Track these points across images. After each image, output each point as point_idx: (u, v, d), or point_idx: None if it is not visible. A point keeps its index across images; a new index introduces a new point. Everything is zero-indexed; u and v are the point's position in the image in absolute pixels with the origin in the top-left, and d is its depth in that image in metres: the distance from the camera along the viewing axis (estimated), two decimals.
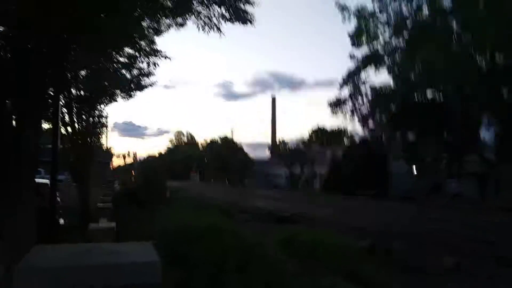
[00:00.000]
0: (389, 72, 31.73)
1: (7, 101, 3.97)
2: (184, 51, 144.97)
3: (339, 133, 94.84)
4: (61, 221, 11.63)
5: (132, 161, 62.58)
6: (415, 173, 35.96)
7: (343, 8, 29.61)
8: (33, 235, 3.89)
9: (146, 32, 6.22)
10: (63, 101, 11.35)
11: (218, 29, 4.85)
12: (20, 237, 3.70)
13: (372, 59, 31.32)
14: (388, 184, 40.71)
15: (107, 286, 1.39)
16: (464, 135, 29.76)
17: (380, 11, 29.24)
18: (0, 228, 3.73)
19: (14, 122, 3.96)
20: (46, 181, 11.19)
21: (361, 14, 29.61)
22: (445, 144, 32.56)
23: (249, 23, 4.91)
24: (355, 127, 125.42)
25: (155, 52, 8.37)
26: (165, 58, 8.31)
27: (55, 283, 1.33)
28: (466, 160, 32.07)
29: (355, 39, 30.95)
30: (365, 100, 33.74)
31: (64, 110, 12.50)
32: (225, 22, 4.87)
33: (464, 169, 32.02)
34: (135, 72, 11.82)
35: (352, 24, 30.83)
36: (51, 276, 1.33)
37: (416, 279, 9.01)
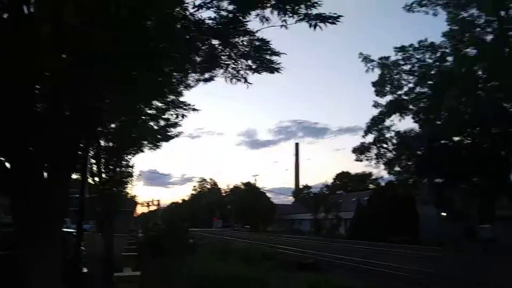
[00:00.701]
0: (414, 118, 31.66)
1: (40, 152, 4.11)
2: (209, 100, 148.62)
3: (363, 178, 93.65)
4: (85, 269, 11.63)
5: (156, 208, 62.77)
6: (445, 217, 34.79)
7: (366, 59, 30.16)
8: (58, 283, 3.91)
9: (175, 86, 6.45)
10: (91, 152, 11.68)
11: (246, 80, 4.98)
12: (46, 284, 3.72)
13: (397, 106, 31.40)
14: (417, 229, 39.41)
15: None
16: (494, 179, 28.90)
17: (404, 61, 29.64)
18: (27, 278, 3.76)
19: (45, 174, 4.08)
20: (72, 230, 11.32)
21: (384, 64, 30.04)
22: (475, 188, 31.61)
23: (276, 72, 5.05)
24: (380, 172, 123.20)
25: (184, 105, 8.61)
26: (193, 110, 8.55)
27: None
28: (499, 204, 30.96)
29: (379, 88, 31.24)
30: (390, 145, 33.49)
31: (92, 160, 12.84)
32: (252, 73, 5.01)
33: (496, 213, 30.83)
34: (162, 123, 12.11)
35: (375, 74, 31.24)
36: None
37: None
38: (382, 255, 24.26)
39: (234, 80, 4.96)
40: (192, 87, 6.89)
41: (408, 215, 39.17)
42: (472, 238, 37.13)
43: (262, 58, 4.88)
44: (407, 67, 30.06)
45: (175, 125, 12.46)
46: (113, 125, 8.82)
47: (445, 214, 35.32)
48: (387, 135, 33.28)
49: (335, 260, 20.87)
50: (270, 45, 4.81)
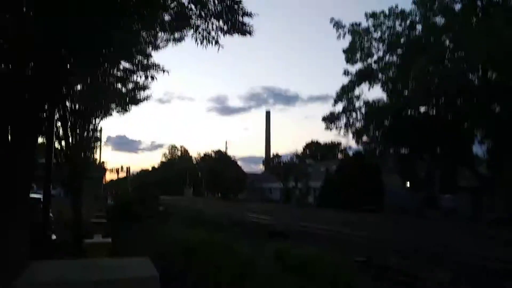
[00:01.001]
0: (383, 88, 32.11)
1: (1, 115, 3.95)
2: (178, 64, 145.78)
3: (332, 147, 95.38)
4: (54, 236, 11.49)
5: (125, 175, 62.11)
6: (409, 187, 36.09)
7: (338, 25, 30.06)
8: (27, 251, 3.85)
9: (143, 46, 6.23)
10: (57, 115, 11.32)
11: (217, 42, 4.86)
12: (14, 253, 3.66)
13: (366, 75, 31.69)
14: (382, 198, 40.79)
15: None
16: (456, 150, 29.97)
17: (374, 28, 29.71)
18: None
19: (9, 137, 3.94)
20: (39, 196, 11.09)
21: (355, 31, 30.03)
22: (439, 158, 32.76)
23: (248, 35, 4.94)
24: (348, 142, 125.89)
25: (153, 66, 8.36)
26: (163, 72, 8.31)
27: None
28: (460, 175, 32.28)
29: (350, 55, 31.34)
30: (359, 114, 34.02)
31: (58, 123, 12.45)
32: (223, 35, 4.88)
33: (458, 183, 32.20)
34: (130, 86, 11.80)
35: (346, 41, 31.24)
36: None
37: None
38: (345, 223, 25.07)
39: (205, 41, 4.84)
40: (161, 48, 6.70)
41: (374, 184, 40.38)
42: (434, 207, 38.82)
43: (234, 19, 4.76)
44: (377, 35, 30.21)
45: (144, 88, 12.19)
46: (78, 87, 8.52)
47: (409, 183, 36.60)
48: (357, 105, 33.76)
49: (303, 228, 21.40)
50: (242, 5, 4.70)
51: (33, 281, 1.35)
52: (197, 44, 4.82)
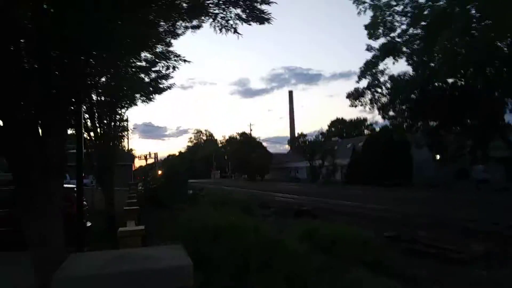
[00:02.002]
0: (408, 61, 31.28)
1: (32, 110, 4.08)
2: (200, 50, 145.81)
3: (358, 124, 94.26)
4: (88, 223, 11.92)
5: (154, 161, 63.31)
6: (439, 160, 35.42)
7: (358, 1, 29.29)
8: (63, 242, 3.99)
9: (162, 35, 6.25)
10: (85, 107, 11.58)
11: (235, 30, 4.82)
12: (51, 245, 3.79)
13: (390, 49, 30.90)
14: (411, 173, 40.24)
15: None
16: (487, 120, 29.11)
17: (396, 2, 28.81)
18: (31, 237, 3.82)
19: (40, 130, 4.07)
20: (72, 186, 11.47)
21: (376, 6, 29.20)
22: (469, 130, 31.92)
23: (266, 23, 4.87)
24: (374, 117, 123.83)
25: (174, 56, 8.40)
26: (184, 62, 8.34)
27: None
28: (491, 146, 31.41)
29: (372, 31, 30.56)
30: (384, 89, 33.36)
31: (86, 116, 12.76)
32: (241, 23, 4.83)
33: (489, 154, 31.37)
34: (153, 75, 11.91)
35: (367, 16, 30.43)
36: (90, 284, 1.39)
37: (443, 266, 8.92)
38: (374, 198, 24.91)
39: (223, 30, 4.81)
40: (180, 35, 6.70)
41: (403, 159, 39.82)
42: (465, 179, 38.03)
43: (252, 7, 4.68)
44: (399, 8, 29.29)
45: (166, 77, 12.28)
46: (103, 79, 8.69)
47: (439, 156, 35.91)
48: (381, 80, 33.08)
49: (331, 206, 21.41)
50: None
51: (71, 275, 1.42)
52: (216, 32, 4.79)
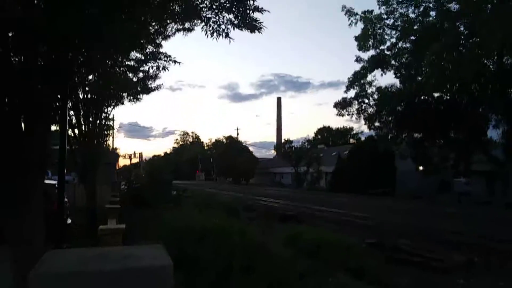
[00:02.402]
0: (396, 74, 31.79)
1: (15, 104, 4.02)
2: (190, 53, 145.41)
3: (344, 133, 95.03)
4: (69, 220, 11.74)
5: (138, 161, 62.76)
6: (422, 171, 35.85)
7: (350, 13, 29.68)
8: (42, 238, 3.93)
9: (152, 36, 6.22)
10: (70, 104, 11.43)
11: (227, 35, 4.81)
12: (30, 241, 3.74)
13: (379, 61, 31.37)
14: (395, 183, 40.62)
15: None
16: (471, 135, 29.65)
17: (387, 15, 29.29)
18: (10, 233, 3.76)
19: (23, 125, 4.01)
20: (53, 182, 11.30)
21: (367, 18, 29.63)
22: (452, 143, 32.43)
23: (257, 31, 4.87)
24: (360, 127, 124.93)
25: (164, 57, 8.35)
26: (174, 63, 8.29)
27: None
28: (474, 159, 31.96)
29: (362, 42, 30.97)
30: (371, 100, 33.80)
31: (71, 112, 12.60)
32: (234, 28, 4.82)
33: (471, 167, 31.90)
34: (141, 75, 11.83)
35: (358, 28, 30.87)
36: (66, 282, 1.37)
37: (425, 275, 9.03)
38: (357, 207, 25.08)
39: (215, 34, 4.80)
40: (170, 36, 6.67)
41: (387, 169, 40.18)
42: (447, 192, 38.53)
43: (245, 13, 4.69)
44: (390, 21, 29.83)
45: (155, 77, 12.21)
46: (90, 77, 8.58)
47: (422, 168, 36.33)
48: (369, 91, 33.53)
49: (315, 212, 21.49)
50: None
51: (48, 271, 1.40)
52: (207, 36, 4.78)
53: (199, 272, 6.31)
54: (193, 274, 6.37)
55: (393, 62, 31.38)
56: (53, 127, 8.71)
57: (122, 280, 1.45)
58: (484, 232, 14.72)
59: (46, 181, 7.26)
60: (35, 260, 1.63)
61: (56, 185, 9.13)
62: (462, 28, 25.46)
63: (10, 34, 4.12)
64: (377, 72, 32.49)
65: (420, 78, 28.52)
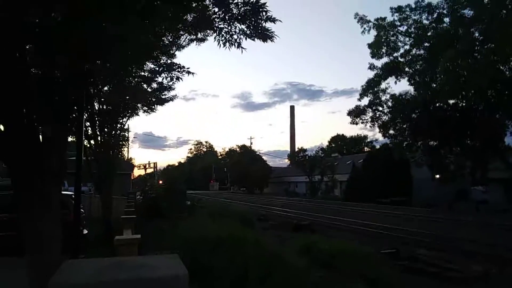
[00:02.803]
0: (410, 81, 31.57)
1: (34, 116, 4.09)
2: (203, 62, 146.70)
3: (358, 141, 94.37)
4: (85, 231, 11.86)
5: (153, 171, 63.23)
6: (438, 179, 35.32)
7: (362, 20, 29.67)
8: (59, 246, 3.97)
9: (166, 46, 6.30)
10: (86, 115, 11.62)
11: (239, 44, 4.85)
12: (48, 251, 3.78)
13: (392, 68, 31.21)
14: (411, 191, 40.07)
15: None
16: (488, 142, 29.16)
17: (400, 22, 29.20)
18: (28, 240, 3.81)
19: (40, 137, 4.08)
20: (70, 193, 11.45)
21: (380, 25, 29.58)
22: (469, 150, 31.94)
23: (269, 40, 4.90)
24: (375, 135, 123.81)
25: (178, 68, 8.44)
26: (188, 73, 8.38)
27: None
28: (491, 167, 31.39)
29: (375, 50, 30.88)
30: (385, 108, 33.57)
31: (87, 123, 12.80)
32: (245, 39, 4.86)
33: (488, 175, 31.33)
34: (156, 86, 11.99)
35: (371, 35, 30.83)
36: None
37: (441, 286, 8.86)
38: (373, 216, 24.79)
39: (227, 44, 4.84)
40: (184, 47, 6.75)
41: (402, 177, 39.69)
42: (464, 200, 37.85)
43: (257, 24, 4.73)
44: (403, 29, 29.72)
45: (169, 88, 12.35)
46: (106, 88, 8.70)
47: (438, 176, 35.81)
48: (383, 98, 33.31)
49: (330, 221, 21.31)
50: (266, 7, 4.66)
51: (66, 281, 1.41)
52: (220, 46, 4.83)
53: (213, 282, 6.30)
54: (208, 284, 6.36)
55: (407, 69, 31.18)
56: (70, 138, 8.87)
57: None
58: (502, 241, 14.42)
59: (63, 192, 7.38)
60: (52, 268, 1.65)
61: (73, 196, 9.27)
62: (476, 34, 25.19)
63: (28, 46, 4.22)
64: (391, 80, 32.30)
65: (434, 85, 28.25)
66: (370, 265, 8.67)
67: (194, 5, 4.42)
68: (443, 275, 9.44)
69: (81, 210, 9.60)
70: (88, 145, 13.49)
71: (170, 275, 1.51)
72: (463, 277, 9.25)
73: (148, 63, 8.28)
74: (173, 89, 12.69)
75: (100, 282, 1.42)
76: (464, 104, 30.25)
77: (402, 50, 30.82)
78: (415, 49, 30.10)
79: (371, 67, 32.21)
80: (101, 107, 13.06)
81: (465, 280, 9.12)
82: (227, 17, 4.70)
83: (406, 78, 31.66)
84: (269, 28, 4.82)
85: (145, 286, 1.43)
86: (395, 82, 33.42)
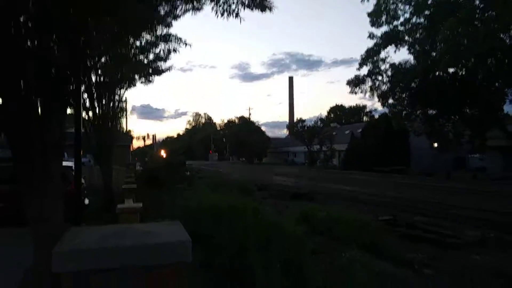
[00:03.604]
0: (410, 50, 31.21)
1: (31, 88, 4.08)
2: (200, 33, 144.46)
3: (357, 111, 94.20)
4: (86, 201, 12.02)
5: (152, 142, 63.33)
6: (437, 148, 35.47)
7: None
8: (61, 216, 4.04)
9: (162, 17, 6.18)
10: (84, 87, 11.53)
11: (237, 15, 4.76)
12: (51, 220, 3.85)
13: (392, 37, 30.79)
14: (409, 160, 40.37)
15: (141, 265, 1.48)
16: (487, 110, 29.12)
17: None
18: (30, 212, 3.86)
19: (39, 109, 4.08)
20: (70, 164, 11.52)
21: None
22: (468, 119, 31.95)
23: (268, 10, 4.81)
24: (374, 105, 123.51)
25: (175, 39, 8.32)
26: (185, 45, 8.26)
27: (92, 264, 1.43)
28: (489, 135, 31.48)
29: (375, 18, 30.37)
30: (385, 77, 33.32)
31: (85, 95, 12.73)
32: (244, 8, 4.77)
33: (487, 143, 31.43)
34: (152, 57, 11.86)
35: (371, 4, 30.24)
36: (87, 258, 1.43)
37: (439, 251, 9.05)
38: (371, 184, 25.05)
39: (225, 14, 4.75)
40: (180, 16, 6.63)
41: (401, 146, 39.89)
42: (462, 168, 38.18)
43: None
44: None
45: (165, 58, 12.23)
46: (103, 59, 8.59)
47: (437, 145, 35.94)
48: (382, 67, 33.02)
49: (328, 190, 21.53)
50: None
51: (71, 247, 1.45)
52: (217, 16, 4.74)
53: (214, 250, 6.43)
54: (209, 253, 6.49)
55: (406, 38, 30.77)
56: (68, 110, 8.84)
57: (142, 255, 1.51)
58: (499, 208, 14.66)
59: (63, 163, 7.43)
60: (56, 239, 1.69)
61: (73, 167, 9.32)
62: (477, 2, 24.73)
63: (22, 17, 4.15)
64: (390, 49, 31.93)
65: (434, 54, 27.94)
66: (368, 232, 8.83)
67: None
68: (440, 241, 9.62)
69: (82, 180, 9.69)
70: (87, 117, 13.47)
71: (174, 241, 1.55)
72: (460, 242, 9.44)
73: (144, 34, 8.17)
74: (170, 59, 12.59)
75: (104, 248, 1.46)
76: (463, 73, 30.02)
77: (402, 19, 30.32)
78: (415, 17, 29.61)
79: (371, 36, 31.76)
80: (98, 79, 12.96)
81: (463, 245, 9.30)
82: None
83: (406, 47, 31.29)
84: None
85: (151, 252, 1.48)
86: (395, 51, 33.11)
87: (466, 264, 8.14)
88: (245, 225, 6.91)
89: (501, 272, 7.55)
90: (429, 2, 27.86)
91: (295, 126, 61.12)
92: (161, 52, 10.52)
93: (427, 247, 9.28)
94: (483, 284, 6.95)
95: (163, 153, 19.84)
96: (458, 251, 8.99)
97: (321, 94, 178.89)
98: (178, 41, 8.31)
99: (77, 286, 1.45)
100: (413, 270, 7.45)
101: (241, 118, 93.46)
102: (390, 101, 34.30)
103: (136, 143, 61.93)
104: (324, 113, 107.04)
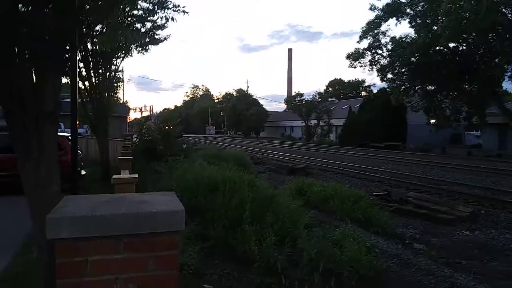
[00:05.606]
0: (411, 23, 30.79)
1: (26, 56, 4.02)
2: (198, 3, 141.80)
3: (356, 86, 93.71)
4: (83, 172, 12.06)
5: (149, 114, 63.06)
6: (434, 124, 35.51)
7: None
8: (58, 184, 4.05)
9: None
10: (79, 56, 11.38)
11: None
12: (47, 188, 3.86)
13: (394, 10, 30.32)
14: (406, 136, 40.48)
15: (135, 233, 1.49)
16: (485, 86, 29.01)
17: None
18: (26, 179, 3.88)
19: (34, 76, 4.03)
20: (66, 134, 11.50)
21: None
22: (466, 95, 31.86)
23: None
24: (373, 79, 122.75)
25: (173, 7, 8.12)
26: (184, 13, 8.05)
27: (85, 231, 1.43)
28: (487, 112, 31.49)
29: None
30: (385, 51, 32.99)
31: (81, 65, 12.57)
32: None
33: (484, 121, 31.48)
34: (149, 25, 11.62)
35: None
36: (81, 224, 1.43)
37: (430, 226, 9.21)
38: (366, 160, 25.18)
39: None
40: None
41: (398, 122, 39.92)
42: (459, 144, 38.37)
43: None
44: None
45: (163, 27, 12.00)
46: (98, 27, 8.41)
47: (434, 121, 36.00)
48: (382, 41, 32.69)
49: (324, 165, 21.65)
50: None
51: (65, 214, 1.45)
52: None
53: (210, 222, 6.50)
54: (204, 224, 6.57)
55: (408, 10, 30.32)
56: (64, 80, 8.74)
57: (136, 224, 1.51)
58: (491, 184, 14.83)
59: (59, 134, 7.40)
60: (51, 205, 1.69)
61: (69, 137, 9.30)
62: None
63: None
64: (391, 22, 31.67)
65: (435, 28, 27.61)
66: (362, 207, 8.94)
67: None
68: (432, 216, 9.77)
69: (78, 151, 9.68)
70: (83, 87, 13.34)
71: (168, 211, 1.56)
72: (452, 218, 9.58)
73: (141, 1, 7.99)
74: (167, 27, 12.34)
75: (98, 215, 1.46)
76: (464, 48, 29.77)
77: None
78: None
79: (372, 8, 31.29)
80: (94, 48, 12.76)
81: (454, 221, 9.46)
82: None
83: (407, 20, 30.89)
84: None
85: (144, 220, 1.48)
86: (396, 25, 32.79)
87: (456, 239, 8.31)
88: (241, 198, 6.97)
89: (486, 245, 7.75)
90: None
91: (293, 100, 60.81)
92: (159, 20, 10.31)
93: (419, 222, 9.44)
94: (469, 257, 7.11)
95: (159, 123, 19.71)
96: (449, 226, 9.15)
97: (321, 68, 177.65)
98: (175, 8, 8.12)
99: (70, 252, 1.46)
100: (404, 245, 7.59)
101: (239, 91, 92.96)
102: (389, 75, 34.13)
103: (133, 114, 61.68)
104: (322, 87, 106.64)
